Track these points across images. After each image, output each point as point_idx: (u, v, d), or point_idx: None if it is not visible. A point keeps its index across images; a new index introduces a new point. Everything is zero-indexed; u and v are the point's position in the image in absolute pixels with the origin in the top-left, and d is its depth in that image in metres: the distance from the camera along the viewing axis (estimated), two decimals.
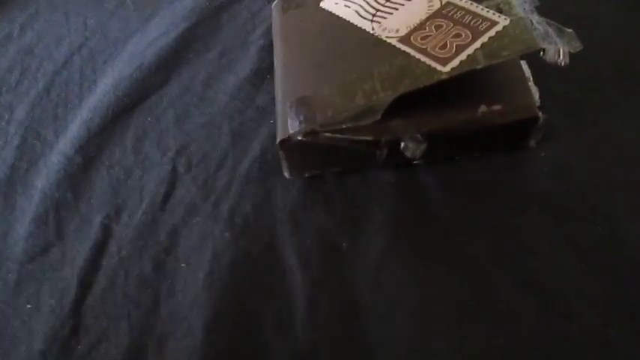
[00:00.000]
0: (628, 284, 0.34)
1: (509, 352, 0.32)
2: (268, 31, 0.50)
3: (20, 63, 0.54)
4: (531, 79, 0.40)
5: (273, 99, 0.42)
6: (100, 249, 0.40)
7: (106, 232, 0.40)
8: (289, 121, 0.38)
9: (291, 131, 0.38)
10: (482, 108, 0.38)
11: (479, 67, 0.35)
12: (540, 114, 0.38)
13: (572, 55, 0.36)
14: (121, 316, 0.36)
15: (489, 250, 0.36)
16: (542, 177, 0.39)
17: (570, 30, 0.35)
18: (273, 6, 0.49)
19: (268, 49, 0.48)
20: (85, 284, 0.38)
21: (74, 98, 0.50)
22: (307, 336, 0.34)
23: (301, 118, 0.38)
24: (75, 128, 0.47)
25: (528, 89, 0.39)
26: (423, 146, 0.38)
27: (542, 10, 0.38)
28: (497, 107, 0.38)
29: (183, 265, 0.38)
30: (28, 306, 0.38)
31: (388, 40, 0.39)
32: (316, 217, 0.39)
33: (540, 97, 0.39)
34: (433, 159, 0.40)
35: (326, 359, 0.33)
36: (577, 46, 0.35)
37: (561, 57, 0.35)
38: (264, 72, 0.48)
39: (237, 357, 0.34)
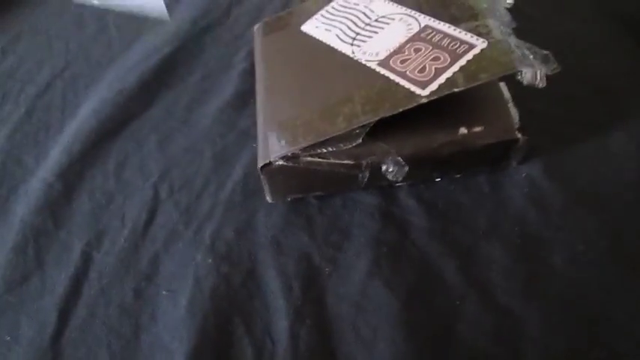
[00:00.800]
0: (606, 305, 0.34)
1: None
2: (251, 55, 0.50)
3: (2, 87, 0.54)
4: (511, 100, 0.40)
5: (255, 122, 0.42)
6: (80, 278, 0.39)
7: (87, 259, 0.40)
8: (270, 146, 0.38)
9: (272, 155, 0.38)
10: (463, 130, 0.38)
11: (457, 90, 0.35)
12: (520, 135, 0.38)
13: (553, 75, 0.36)
14: (101, 347, 0.36)
15: (469, 272, 0.36)
16: (523, 198, 0.39)
17: (547, 52, 0.35)
18: (254, 30, 0.49)
19: (251, 72, 0.48)
20: (65, 314, 0.37)
21: (56, 123, 0.50)
22: None
23: (282, 142, 0.38)
24: (56, 154, 0.47)
25: (508, 111, 0.39)
26: (405, 169, 0.38)
27: (523, 30, 0.39)
28: (477, 129, 0.38)
29: (164, 292, 0.38)
30: (7, 338, 0.37)
31: (368, 64, 0.40)
32: (298, 241, 0.39)
33: (521, 116, 0.39)
34: (415, 181, 0.40)
35: None
36: (554, 67, 0.35)
37: (538, 79, 0.35)
38: (246, 95, 0.48)
39: None
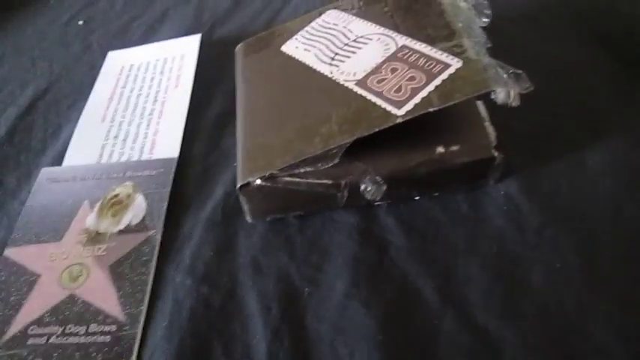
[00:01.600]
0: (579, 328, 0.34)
1: None
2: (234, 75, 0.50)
3: None
4: (487, 119, 0.40)
5: (234, 145, 0.42)
6: None
7: None
8: (249, 166, 0.39)
9: (250, 176, 0.38)
10: (440, 149, 0.38)
11: (432, 109, 0.35)
12: (496, 154, 0.38)
13: (531, 94, 0.36)
14: None
15: (448, 293, 0.36)
16: (501, 217, 0.39)
17: (520, 71, 0.36)
18: (236, 50, 0.50)
19: (233, 92, 0.48)
20: None
21: (37, 144, 0.50)
22: None
23: (260, 162, 0.38)
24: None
25: (484, 129, 0.39)
26: (383, 188, 0.38)
27: (501, 48, 0.39)
28: (454, 148, 0.38)
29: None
30: None
31: (346, 84, 0.40)
32: (278, 261, 0.39)
33: (499, 135, 0.39)
34: (393, 200, 0.41)
35: None
36: (527, 87, 0.35)
37: (512, 98, 0.35)
38: (229, 115, 0.48)
39: None
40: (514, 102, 0.35)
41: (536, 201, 0.40)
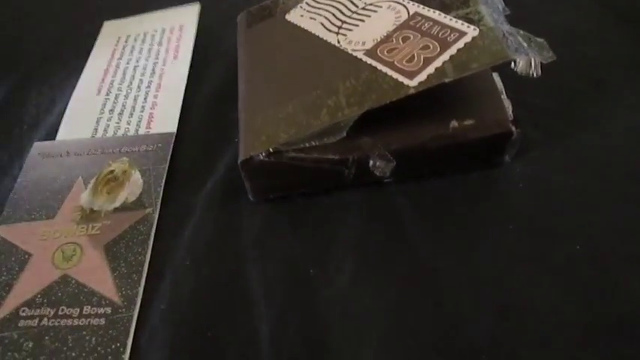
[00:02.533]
0: (605, 305, 0.32)
1: None
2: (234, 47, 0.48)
3: None
4: (504, 92, 0.38)
5: (235, 120, 0.40)
6: None
7: None
8: (251, 141, 0.36)
9: (253, 151, 0.36)
10: (454, 123, 0.36)
11: (447, 80, 0.33)
12: (514, 129, 0.36)
13: (546, 66, 0.34)
14: None
15: (463, 273, 0.34)
16: (517, 194, 0.37)
17: (542, 40, 0.33)
18: (238, 20, 0.47)
19: (235, 64, 0.46)
20: None
21: (30, 118, 0.48)
22: None
23: (263, 137, 0.36)
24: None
25: (501, 103, 0.37)
26: (392, 164, 0.36)
27: (516, 19, 0.37)
28: (469, 122, 0.36)
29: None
30: None
31: (354, 54, 0.38)
32: (282, 241, 0.37)
33: (514, 109, 0.37)
34: (403, 177, 0.38)
35: None
36: (549, 56, 0.33)
37: (533, 68, 0.33)
38: (230, 87, 0.46)
39: None
40: (535, 72, 0.33)
41: (554, 178, 0.38)
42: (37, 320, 0.35)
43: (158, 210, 0.39)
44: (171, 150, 0.43)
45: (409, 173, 0.38)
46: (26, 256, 0.38)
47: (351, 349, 0.32)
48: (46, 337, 0.34)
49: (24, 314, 0.35)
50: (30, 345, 0.34)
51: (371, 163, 0.36)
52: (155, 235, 0.38)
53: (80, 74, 0.51)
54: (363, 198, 0.38)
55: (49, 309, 0.35)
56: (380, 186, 0.39)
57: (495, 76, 0.39)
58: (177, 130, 0.45)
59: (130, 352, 0.33)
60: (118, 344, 0.33)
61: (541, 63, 0.33)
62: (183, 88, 0.48)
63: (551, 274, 0.33)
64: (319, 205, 0.38)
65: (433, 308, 0.33)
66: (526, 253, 0.35)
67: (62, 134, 0.46)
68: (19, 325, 0.34)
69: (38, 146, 0.45)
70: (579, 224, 0.35)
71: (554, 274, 0.33)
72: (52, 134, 0.46)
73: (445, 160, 0.38)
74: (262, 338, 0.33)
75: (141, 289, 0.36)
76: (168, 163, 0.42)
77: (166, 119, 0.45)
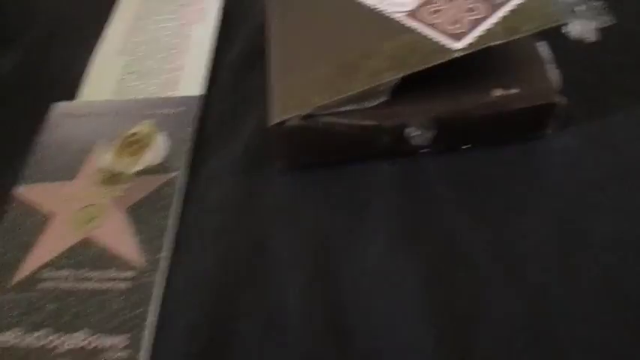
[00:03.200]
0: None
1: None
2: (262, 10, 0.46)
3: None
4: (550, 62, 0.36)
5: (264, 84, 0.38)
6: None
7: None
8: (283, 104, 0.35)
9: (284, 114, 0.34)
10: (497, 92, 0.34)
11: (496, 43, 0.31)
12: (559, 100, 0.35)
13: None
14: None
15: (498, 248, 0.32)
16: (558, 168, 0.36)
17: (599, 2, 0.31)
18: None
19: (263, 28, 0.44)
20: None
21: (50, 77, 0.46)
22: (299, 342, 0.30)
23: (296, 100, 0.34)
24: None
25: (547, 73, 0.35)
26: (431, 133, 0.35)
27: None
28: (513, 91, 0.34)
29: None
30: None
31: (394, 16, 0.36)
32: (311, 210, 0.35)
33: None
34: (440, 148, 0.37)
35: None
36: (606, 20, 0.31)
37: (588, 33, 0.31)
38: (257, 53, 0.44)
39: None
40: (591, 37, 0.31)
41: (597, 155, 0.36)
42: (58, 282, 0.33)
43: (183, 174, 0.38)
44: (196, 113, 0.41)
45: (446, 143, 0.36)
46: (46, 218, 0.36)
47: (381, 322, 0.30)
48: (67, 300, 0.33)
49: (45, 276, 0.34)
50: (51, 307, 0.32)
51: (408, 131, 0.35)
52: (180, 200, 0.37)
53: (102, 35, 0.49)
54: (397, 168, 0.37)
55: (70, 271, 0.34)
56: (415, 156, 0.37)
57: (543, 45, 0.37)
58: (203, 94, 0.43)
59: (154, 317, 0.32)
60: (142, 309, 0.32)
61: (598, 28, 0.31)
62: (209, 51, 0.46)
63: (592, 251, 0.32)
64: (351, 174, 0.37)
65: (468, 282, 0.31)
66: (564, 230, 0.33)
67: (84, 95, 0.44)
68: (39, 286, 0.33)
69: (59, 107, 0.43)
70: (622, 201, 0.34)
71: (595, 252, 0.32)
72: (73, 94, 0.44)
73: (485, 130, 0.36)
74: (289, 307, 0.31)
75: (165, 254, 0.34)
76: (193, 126, 0.41)
77: (191, 82, 0.44)
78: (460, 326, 0.30)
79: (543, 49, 0.36)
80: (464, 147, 0.37)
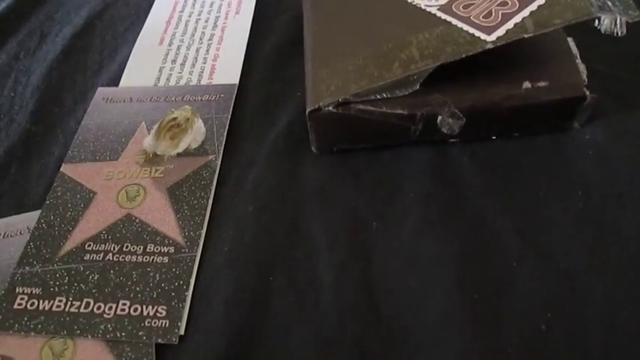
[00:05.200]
0: None
1: (531, 339, 0.30)
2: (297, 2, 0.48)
3: (40, 27, 0.53)
4: (578, 56, 0.37)
5: (300, 72, 0.40)
6: None
7: None
8: (320, 91, 0.36)
9: (321, 101, 0.36)
10: (527, 84, 0.35)
11: (527, 35, 0.32)
12: (588, 93, 0.35)
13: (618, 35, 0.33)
14: None
15: (526, 237, 0.33)
16: (586, 161, 0.37)
17: None
18: None
19: (298, 20, 0.46)
20: None
21: (94, 64, 0.48)
22: (332, 319, 0.32)
23: (332, 87, 0.36)
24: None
25: (575, 66, 0.36)
26: (462, 122, 0.36)
27: None
28: (542, 84, 0.35)
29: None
30: None
31: (428, 9, 0.37)
32: (345, 194, 0.37)
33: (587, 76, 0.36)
34: (470, 137, 0.38)
35: (351, 344, 0.31)
36: (636, 15, 0.32)
37: (618, 27, 0.32)
38: (294, 43, 0.46)
39: (259, 334, 0.31)
40: (620, 31, 0.32)
41: (624, 147, 0.37)
42: (102, 255, 0.35)
43: (221, 157, 0.40)
44: (233, 100, 0.43)
45: (476, 133, 0.38)
46: (91, 195, 0.38)
47: (413, 299, 0.31)
48: (111, 271, 0.34)
49: (89, 248, 0.36)
50: (95, 277, 0.34)
51: (440, 119, 0.36)
52: (217, 182, 0.38)
53: (142, 25, 0.51)
54: (427, 156, 0.38)
55: (113, 245, 0.36)
56: (445, 145, 0.38)
57: (570, 40, 0.38)
58: (240, 82, 0.45)
59: (193, 291, 0.33)
60: (181, 282, 0.34)
61: (626, 22, 0.32)
62: (246, 41, 0.48)
63: (617, 243, 0.33)
64: (383, 160, 0.38)
65: (498, 267, 0.32)
66: (592, 219, 0.34)
67: (125, 82, 0.46)
68: (85, 258, 0.35)
69: (102, 91, 0.46)
70: None
71: (620, 243, 0.33)
72: (115, 81, 0.46)
73: (514, 121, 0.37)
74: (324, 286, 0.33)
75: (203, 232, 0.36)
76: (230, 113, 0.42)
77: (228, 71, 0.45)
78: (489, 304, 0.31)
79: (571, 44, 0.37)
80: (493, 137, 0.38)
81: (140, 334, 0.32)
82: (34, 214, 0.38)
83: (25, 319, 0.33)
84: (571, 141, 0.38)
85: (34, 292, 0.34)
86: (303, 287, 0.33)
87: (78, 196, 0.38)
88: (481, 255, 0.33)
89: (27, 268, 0.35)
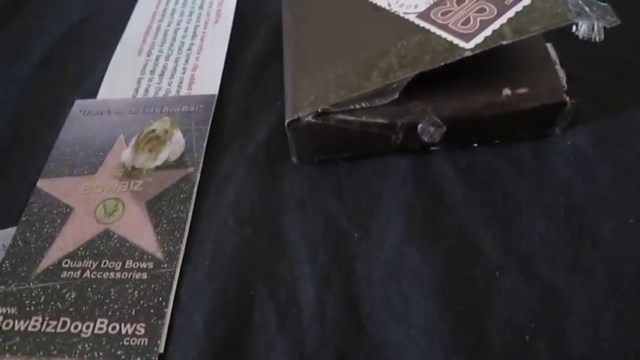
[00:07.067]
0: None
1: (514, 350, 0.30)
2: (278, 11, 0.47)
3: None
4: (558, 62, 0.37)
5: (281, 81, 0.39)
6: None
7: None
8: (299, 101, 0.36)
9: (300, 111, 0.35)
10: (507, 91, 0.35)
11: (505, 42, 0.32)
12: (568, 99, 0.35)
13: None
14: None
15: (508, 244, 0.33)
16: (567, 167, 0.37)
17: (605, 4, 0.32)
18: None
19: (278, 28, 0.45)
20: None
21: (71, 77, 0.48)
22: (315, 332, 0.31)
23: (312, 97, 0.35)
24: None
25: (555, 72, 0.36)
26: (443, 130, 0.36)
27: None
28: (522, 90, 0.35)
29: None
30: None
31: (406, 17, 0.37)
32: (326, 204, 0.36)
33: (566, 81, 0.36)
34: (451, 145, 0.38)
35: (334, 358, 0.30)
36: (613, 21, 0.32)
37: (595, 32, 0.32)
38: (273, 52, 0.45)
39: (240, 350, 0.31)
40: (598, 37, 0.32)
41: (606, 153, 0.37)
42: (79, 272, 0.35)
43: (200, 169, 0.39)
44: (213, 111, 0.43)
45: (456, 141, 0.37)
46: (68, 210, 0.38)
47: (397, 311, 0.31)
48: (89, 289, 0.34)
49: (66, 265, 0.35)
50: (73, 295, 0.34)
51: (420, 127, 0.36)
52: (197, 194, 0.38)
53: (120, 36, 0.50)
54: (408, 165, 0.38)
55: (91, 261, 0.35)
56: (426, 153, 0.38)
57: (550, 46, 0.38)
58: (219, 93, 0.44)
59: (173, 307, 0.33)
60: (161, 298, 0.33)
61: (604, 28, 0.32)
62: (225, 51, 0.47)
63: (600, 250, 0.33)
64: (364, 169, 0.38)
65: (480, 277, 0.32)
66: (574, 226, 0.34)
67: (103, 94, 0.46)
68: (62, 276, 0.34)
69: (80, 104, 0.45)
70: (630, 200, 0.35)
71: (603, 250, 0.33)
72: (93, 93, 0.46)
73: (495, 128, 0.37)
74: (306, 299, 0.32)
75: (183, 246, 0.35)
76: (210, 124, 0.42)
77: (208, 81, 0.45)
78: (474, 315, 0.31)
79: (551, 49, 0.37)
80: (474, 145, 0.38)
81: (118, 353, 0.31)
82: (10, 231, 0.37)
83: (0, 339, 0.32)
84: (552, 147, 0.38)
85: (9, 311, 0.33)
86: (284, 301, 0.32)
87: (55, 212, 0.38)
88: (463, 265, 0.33)
89: (2, 287, 0.34)
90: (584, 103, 0.38)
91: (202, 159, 0.40)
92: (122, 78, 0.47)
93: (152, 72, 0.47)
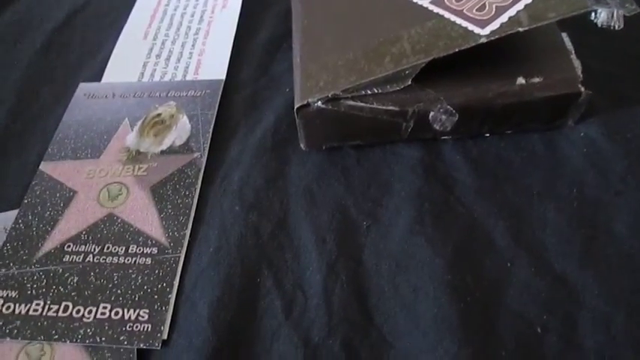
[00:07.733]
0: None
1: (526, 342, 0.29)
2: None
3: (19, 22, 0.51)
4: (573, 52, 0.36)
5: (289, 68, 0.39)
6: None
7: None
8: (309, 87, 0.35)
9: (310, 97, 0.34)
10: (520, 80, 0.34)
11: (522, 29, 0.32)
12: (583, 89, 0.35)
13: (611, 32, 0.32)
14: None
15: (519, 236, 0.33)
16: (580, 159, 0.36)
17: None
18: None
19: (286, 14, 0.44)
20: None
21: (75, 60, 0.47)
22: (321, 322, 0.30)
23: (322, 83, 0.35)
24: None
25: (570, 62, 0.35)
26: (454, 118, 0.35)
27: None
28: (536, 80, 0.34)
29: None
30: None
31: (419, 2, 0.36)
32: (334, 192, 0.36)
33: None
34: (462, 135, 0.37)
35: (340, 348, 0.30)
36: (632, 8, 0.31)
37: (615, 20, 0.31)
38: (281, 39, 0.45)
39: (245, 339, 0.30)
40: (617, 25, 0.31)
41: (619, 145, 0.36)
42: (82, 256, 0.34)
43: (206, 155, 0.38)
44: (219, 97, 0.42)
45: (468, 130, 0.37)
46: (71, 194, 0.37)
47: (405, 301, 0.31)
48: (92, 274, 0.33)
49: (69, 249, 0.34)
50: (75, 280, 0.33)
51: (432, 115, 0.35)
52: (203, 180, 0.37)
53: (126, 19, 0.50)
54: (418, 153, 0.37)
55: (94, 246, 0.34)
56: (436, 143, 0.37)
57: (565, 35, 0.37)
58: (227, 78, 0.43)
59: (177, 293, 0.32)
60: (165, 284, 0.32)
61: (623, 16, 0.31)
62: (233, 36, 0.46)
63: (612, 242, 0.32)
64: (373, 158, 0.37)
65: (491, 268, 0.32)
66: (586, 219, 0.33)
67: (107, 77, 0.45)
68: (64, 259, 0.34)
69: (83, 87, 0.44)
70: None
71: (615, 243, 0.32)
72: (97, 77, 0.45)
73: (507, 118, 0.36)
74: (312, 288, 0.32)
75: (188, 232, 0.35)
76: (216, 109, 0.41)
77: (214, 66, 0.44)
78: (483, 306, 0.30)
79: (566, 39, 0.37)
80: (485, 135, 0.37)
81: (121, 338, 0.30)
82: (12, 214, 0.36)
83: (0, 323, 0.31)
84: (565, 138, 0.37)
85: (10, 295, 0.32)
86: (291, 289, 0.32)
87: (57, 195, 0.37)
88: (474, 255, 0.32)
89: (3, 270, 0.34)
90: (597, 95, 0.37)
91: (208, 144, 0.39)
92: (127, 62, 0.46)
93: (158, 56, 0.46)
